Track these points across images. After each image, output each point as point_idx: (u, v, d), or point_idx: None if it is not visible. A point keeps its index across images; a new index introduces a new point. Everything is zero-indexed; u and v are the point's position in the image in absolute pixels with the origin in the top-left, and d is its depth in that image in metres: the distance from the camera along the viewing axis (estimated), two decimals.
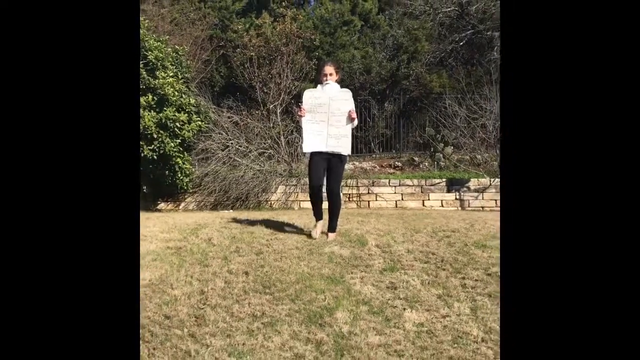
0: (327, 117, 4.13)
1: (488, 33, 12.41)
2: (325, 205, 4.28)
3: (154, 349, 2.38)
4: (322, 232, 4.23)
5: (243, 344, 2.43)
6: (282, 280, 3.16)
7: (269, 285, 3.10)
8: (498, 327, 2.72)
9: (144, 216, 5.49)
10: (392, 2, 12.73)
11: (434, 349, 2.47)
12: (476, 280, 3.28)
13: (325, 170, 4.19)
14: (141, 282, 3.07)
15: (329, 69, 4.22)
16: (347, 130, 4.14)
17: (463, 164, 9.74)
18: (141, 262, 3.40)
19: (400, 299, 2.99)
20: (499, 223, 4.55)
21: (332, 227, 4.22)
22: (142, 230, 4.12)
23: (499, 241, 3.99)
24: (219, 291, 2.98)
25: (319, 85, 4.25)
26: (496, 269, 3.44)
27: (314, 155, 4.21)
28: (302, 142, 4.33)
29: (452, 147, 10.29)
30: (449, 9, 12.59)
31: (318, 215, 4.27)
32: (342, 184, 8.62)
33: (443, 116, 10.00)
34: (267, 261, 3.49)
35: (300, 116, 4.21)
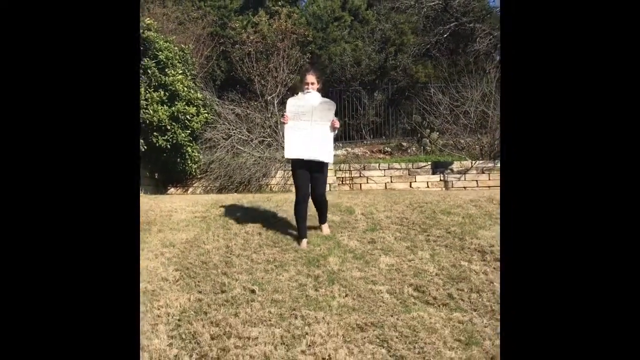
0: (310, 124, 4.14)
1: (470, 25, 13.22)
2: (312, 211, 4.30)
3: (198, 282, 3.32)
4: (315, 229, 4.32)
5: (262, 278, 3.38)
6: (287, 238, 4.10)
7: (278, 241, 4.04)
8: (451, 266, 3.67)
9: (167, 197, 6.40)
10: None
11: (400, 279, 3.42)
12: (438, 236, 4.22)
13: (309, 179, 4.18)
14: (180, 241, 4.01)
15: (310, 78, 4.23)
16: (329, 138, 4.18)
17: (448, 148, 10.50)
18: (177, 227, 4.34)
19: (378, 249, 3.94)
20: (467, 197, 5.47)
21: (323, 220, 4.32)
22: (172, 205, 5.05)
23: (461, 209, 4.94)
24: (240, 245, 3.93)
25: (300, 93, 4.30)
26: (455, 229, 4.39)
27: (296, 164, 4.22)
28: (283, 148, 4.28)
29: (437, 133, 11.04)
30: (434, 3, 13.36)
31: (302, 233, 4.14)
32: (336, 168, 9.46)
33: (428, 104, 10.73)
34: (274, 225, 4.43)
35: (284, 123, 4.21)
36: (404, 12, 13.15)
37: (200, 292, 3.20)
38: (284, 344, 2.66)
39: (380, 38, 12.66)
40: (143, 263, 3.60)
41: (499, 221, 4.48)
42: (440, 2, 13.33)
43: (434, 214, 4.81)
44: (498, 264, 3.70)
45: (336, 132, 4.24)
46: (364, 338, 2.72)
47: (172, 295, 3.15)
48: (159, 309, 3.00)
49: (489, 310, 3.10)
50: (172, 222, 4.48)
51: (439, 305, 3.12)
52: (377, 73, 12.64)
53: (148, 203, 5.22)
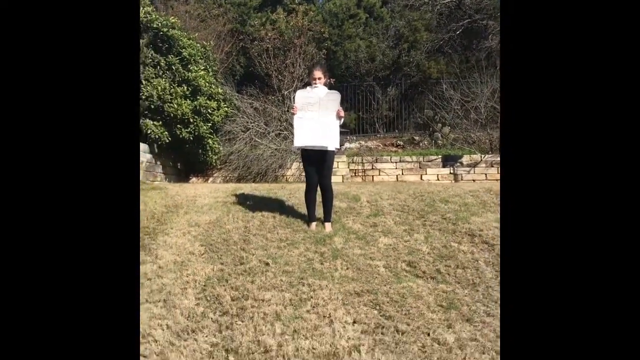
0: (317, 115, 4.42)
1: (483, 22, 13.52)
2: (319, 198, 4.62)
3: (221, 255, 3.85)
4: (320, 222, 4.62)
5: (275, 253, 3.90)
6: (298, 221, 4.62)
7: (290, 223, 4.55)
8: (442, 247, 4.14)
9: (191, 184, 6.95)
10: None
11: (395, 256, 3.92)
12: (433, 222, 4.69)
13: (317, 165, 4.51)
14: (204, 221, 4.54)
15: (317, 73, 4.55)
16: (335, 127, 4.46)
17: (458, 142, 10.85)
18: (201, 210, 4.88)
19: (378, 231, 4.43)
20: (467, 188, 5.92)
21: (327, 219, 4.59)
22: (196, 192, 5.59)
23: (459, 198, 5.39)
24: (257, 226, 4.45)
25: (308, 87, 4.60)
26: (450, 215, 4.85)
27: (305, 155, 4.58)
28: (293, 138, 4.58)
29: (448, 127, 11.38)
30: (447, 0, 13.69)
31: (312, 217, 4.59)
32: (349, 160, 9.93)
33: (440, 99, 11.09)
34: (287, 209, 4.95)
35: (293, 114, 4.51)
36: (418, 10, 13.50)
37: (222, 263, 3.73)
38: (292, 305, 3.17)
39: (394, 35, 13.06)
40: (172, 240, 4.15)
41: (492, 209, 4.95)
42: (453, 0, 13.67)
43: (433, 202, 5.28)
44: (484, 245, 4.17)
45: (341, 120, 4.51)
46: (360, 302, 3.22)
47: (198, 265, 3.69)
48: (187, 277, 3.54)
49: (471, 283, 3.58)
50: (197, 205, 5.03)
51: (427, 278, 3.61)
52: (390, 69, 13.03)
53: (174, 189, 5.79)
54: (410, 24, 13.03)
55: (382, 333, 2.88)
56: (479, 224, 4.57)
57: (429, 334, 2.89)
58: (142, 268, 3.66)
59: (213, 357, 2.66)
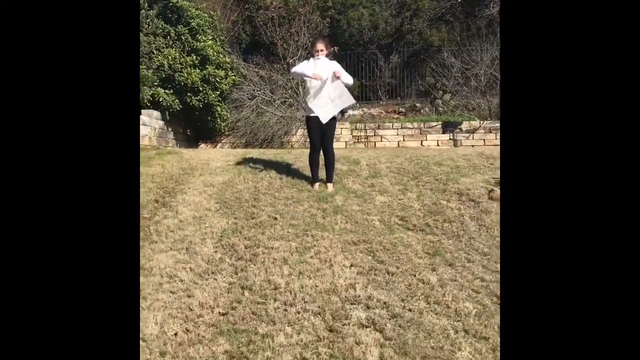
0: (324, 86, 4.76)
1: None
2: (322, 162, 4.99)
3: (234, 211, 4.33)
4: (322, 183, 5.03)
5: (282, 209, 4.37)
6: (303, 182, 5.08)
7: (295, 184, 5.01)
8: (432, 204, 4.60)
9: (203, 150, 7.39)
10: None
11: (389, 212, 4.39)
12: (426, 182, 5.14)
13: (321, 133, 4.88)
14: (218, 182, 5.01)
15: (320, 45, 4.94)
16: (340, 86, 4.76)
17: (459, 109, 11.20)
18: (214, 172, 5.35)
19: (375, 191, 4.90)
20: (461, 152, 6.34)
21: (329, 179, 4.99)
22: (209, 156, 6.05)
23: (452, 161, 5.82)
24: (265, 186, 4.92)
25: (311, 59, 4.96)
26: (442, 176, 5.29)
27: (310, 121, 4.91)
28: (305, 108, 4.95)
29: (449, 94, 11.71)
30: None
31: (315, 178, 4.99)
32: (352, 127, 10.30)
33: (441, 67, 11.37)
34: (292, 172, 5.41)
35: (316, 79, 4.78)
36: None
37: (235, 218, 4.21)
38: (297, 252, 3.65)
39: (396, 3, 13.23)
40: (190, 198, 4.63)
41: (481, 171, 5.39)
42: None
43: (427, 165, 5.72)
44: (471, 202, 4.63)
45: (346, 81, 4.80)
46: (356, 249, 3.71)
47: (215, 219, 4.17)
48: (205, 229, 4.02)
49: (456, 234, 4.05)
50: (210, 168, 5.49)
51: (417, 230, 4.09)
52: (393, 37, 13.24)
53: (188, 154, 6.25)
54: None
55: (374, 274, 3.36)
56: (468, 184, 5.01)
57: (415, 275, 3.38)
58: (164, 222, 4.15)
59: (231, 292, 3.15)
